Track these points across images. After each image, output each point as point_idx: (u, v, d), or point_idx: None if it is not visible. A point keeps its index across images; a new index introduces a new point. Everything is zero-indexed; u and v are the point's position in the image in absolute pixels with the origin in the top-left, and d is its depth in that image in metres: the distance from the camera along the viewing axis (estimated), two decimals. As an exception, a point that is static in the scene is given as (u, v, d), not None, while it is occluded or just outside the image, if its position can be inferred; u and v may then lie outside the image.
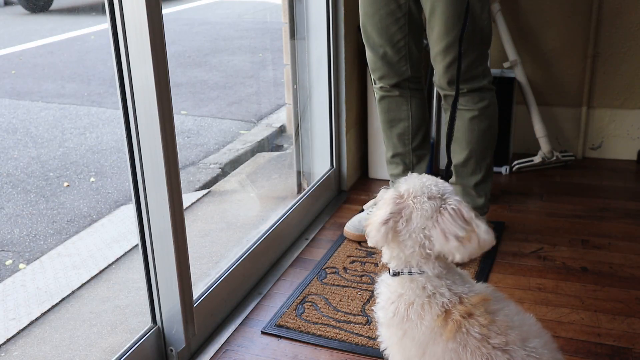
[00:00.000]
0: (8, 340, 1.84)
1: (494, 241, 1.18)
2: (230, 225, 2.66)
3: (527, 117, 2.97)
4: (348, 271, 2.10)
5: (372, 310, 1.81)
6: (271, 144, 3.72)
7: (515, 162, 2.94)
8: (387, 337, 1.26)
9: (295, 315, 1.86)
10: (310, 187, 2.54)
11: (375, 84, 2.27)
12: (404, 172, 2.28)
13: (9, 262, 2.29)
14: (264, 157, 3.46)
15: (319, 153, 2.66)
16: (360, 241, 2.26)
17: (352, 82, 2.70)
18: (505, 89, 2.85)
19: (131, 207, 1.63)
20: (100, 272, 2.21)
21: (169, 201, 1.50)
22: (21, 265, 2.27)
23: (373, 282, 2.01)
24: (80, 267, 2.25)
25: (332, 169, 2.67)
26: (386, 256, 1.26)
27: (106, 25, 1.41)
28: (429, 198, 1.18)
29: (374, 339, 1.71)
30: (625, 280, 1.99)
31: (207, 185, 3.07)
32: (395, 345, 1.24)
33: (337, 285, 2.01)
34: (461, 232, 1.15)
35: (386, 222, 1.18)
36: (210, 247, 2.43)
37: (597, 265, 2.09)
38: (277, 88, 4.67)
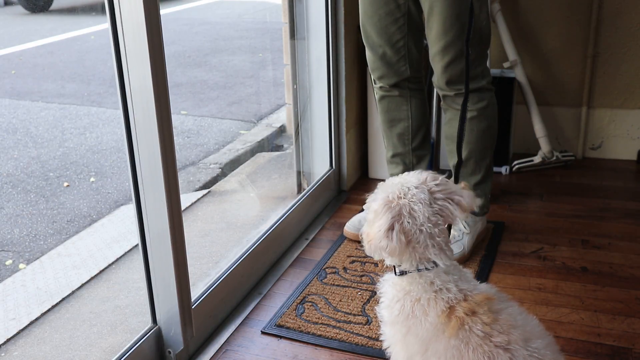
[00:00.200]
0: (8, 340, 1.84)
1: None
2: (230, 225, 2.66)
3: (527, 117, 2.97)
4: (348, 271, 2.10)
5: (372, 310, 1.82)
6: (271, 144, 3.72)
7: (515, 162, 2.94)
8: (391, 335, 1.26)
9: (295, 315, 1.86)
10: (310, 187, 2.54)
11: (375, 83, 2.27)
12: (404, 172, 2.28)
13: (9, 262, 2.29)
14: (264, 157, 3.46)
15: (319, 153, 2.66)
16: (360, 241, 2.26)
17: (352, 82, 2.70)
18: (505, 89, 2.85)
19: (131, 207, 1.63)
20: (100, 272, 2.21)
21: (167, 202, 1.50)
22: (21, 265, 2.27)
23: (373, 282, 2.02)
24: (80, 267, 2.25)
25: (332, 170, 2.67)
26: (395, 260, 1.24)
27: (106, 25, 1.41)
28: (417, 188, 1.20)
29: (374, 339, 1.72)
30: (625, 280, 1.99)
31: (207, 185, 3.07)
32: (399, 343, 1.24)
33: (337, 285, 2.01)
34: (461, 194, 1.22)
35: (392, 227, 1.17)
36: (210, 247, 2.43)
37: (597, 265, 2.09)
38: (277, 88, 4.67)
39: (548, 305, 1.87)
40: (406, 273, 1.23)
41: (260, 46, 5.81)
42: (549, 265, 2.10)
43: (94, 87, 4.28)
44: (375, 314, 1.81)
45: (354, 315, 1.85)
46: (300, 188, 2.67)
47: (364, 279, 2.05)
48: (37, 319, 1.94)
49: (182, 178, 3.16)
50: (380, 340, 1.33)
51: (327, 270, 2.11)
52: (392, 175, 2.36)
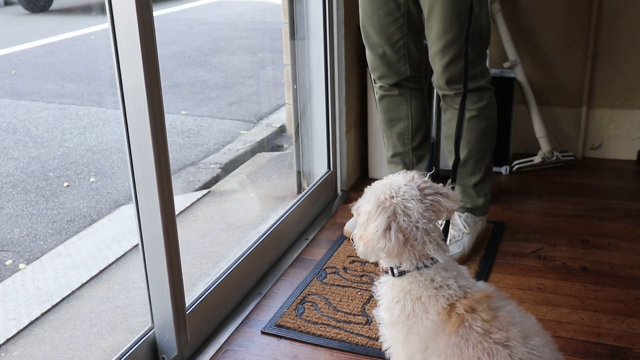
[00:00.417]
0: (8, 340, 1.84)
1: None
2: (230, 225, 2.66)
3: (527, 117, 2.97)
4: (348, 271, 2.10)
5: (372, 311, 1.82)
6: (271, 144, 3.72)
7: (515, 162, 2.94)
8: (391, 336, 1.27)
9: (295, 315, 1.86)
10: (310, 187, 2.55)
11: (375, 83, 2.27)
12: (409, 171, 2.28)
13: (9, 262, 2.29)
14: (264, 157, 3.46)
15: (319, 153, 2.66)
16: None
17: (352, 82, 2.70)
18: (505, 89, 2.85)
19: (131, 207, 1.63)
20: (100, 272, 2.21)
21: (160, 206, 1.47)
22: (21, 265, 2.27)
23: (373, 282, 2.01)
24: (80, 267, 2.25)
25: (329, 172, 2.66)
26: (393, 261, 1.24)
27: (106, 25, 1.41)
28: (406, 186, 1.22)
29: (374, 339, 1.72)
30: (625, 280, 1.99)
31: (207, 185, 3.07)
32: (400, 343, 1.24)
33: (337, 285, 2.01)
34: (446, 189, 1.25)
35: (389, 227, 1.17)
36: (210, 247, 2.43)
37: (597, 265, 2.09)
38: (277, 88, 4.67)
39: (548, 305, 1.87)
40: (405, 273, 1.23)
41: (260, 46, 5.81)
42: (549, 265, 2.10)
43: (94, 87, 4.28)
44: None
45: (354, 315, 1.85)
46: (300, 188, 2.67)
47: (364, 279, 2.05)
48: (37, 319, 1.94)
49: (182, 178, 3.16)
50: (380, 341, 1.33)
51: (327, 270, 2.11)
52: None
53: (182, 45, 5.70)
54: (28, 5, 5.28)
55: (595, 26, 2.89)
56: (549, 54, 3.01)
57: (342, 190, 2.76)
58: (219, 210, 2.77)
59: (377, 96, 2.28)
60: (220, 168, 3.26)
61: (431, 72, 2.11)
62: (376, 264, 2.11)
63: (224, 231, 2.58)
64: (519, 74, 2.89)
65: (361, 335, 1.75)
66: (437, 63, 2.02)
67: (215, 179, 3.14)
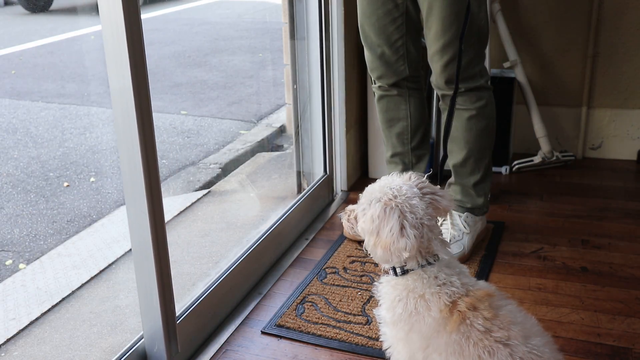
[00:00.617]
0: (8, 340, 1.84)
1: None
2: (230, 225, 2.66)
3: (527, 117, 2.97)
4: (348, 271, 2.10)
5: (372, 310, 1.81)
6: (271, 144, 3.73)
7: (515, 162, 2.94)
8: (392, 335, 1.27)
9: (295, 315, 1.86)
10: (310, 187, 2.55)
11: (374, 83, 2.27)
12: (404, 172, 2.28)
13: (9, 262, 2.30)
14: (264, 157, 3.46)
15: (319, 153, 2.66)
16: (360, 241, 2.26)
17: (352, 82, 2.70)
18: (505, 89, 2.85)
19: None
20: (100, 272, 2.21)
21: (149, 212, 1.42)
22: (21, 265, 2.27)
23: (373, 282, 2.01)
24: (80, 267, 2.25)
25: (325, 176, 2.63)
26: (399, 261, 1.23)
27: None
28: (406, 185, 1.22)
29: (374, 339, 1.72)
30: (625, 280, 1.99)
31: (207, 185, 3.07)
32: (401, 341, 1.25)
33: (337, 285, 2.01)
34: (440, 189, 1.27)
35: (403, 226, 1.17)
36: (210, 247, 2.43)
37: (597, 265, 2.09)
38: (277, 88, 4.68)
39: (548, 305, 1.87)
40: (408, 272, 1.23)
41: (260, 46, 5.81)
42: (549, 265, 2.10)
43: (94, 87, 4.28)
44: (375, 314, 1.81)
45: (354, 315, 1.85)
46: (300, 188, 2.66)
47: (364, 279, 2.05)
48: (37, 319, 1.94)
49: (182, 178, 3.16)
50: (380, 341, 1.33)
51: (327, 270, 2.11)
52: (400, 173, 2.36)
53: (182, 45, 5.70)
54: (28, 5, 5.28)
55: (595, 26, 2.89)
56: (549, 54, 3.01)
57: (342, 190, 2.76)
58: (219, 210, 2.77)
59: (375, 96, 2.28)
60: (220, 168, 3.26)
61: (430, 73, 2.11)
62: (377, 264, 2.12)
63: (224, 231, 2.58)
64: (519, 74, 2.89)
65: (361, 335, 1.75)
66: (436, 63, 2.02)
67: (215, 179, 3.14)
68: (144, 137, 1.39)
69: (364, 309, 1.88)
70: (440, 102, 2.15)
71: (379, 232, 1.18)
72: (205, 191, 2.93)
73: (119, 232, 2.53)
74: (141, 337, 1.60)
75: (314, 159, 2.66)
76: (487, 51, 2.52)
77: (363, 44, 2.19)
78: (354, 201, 1.31)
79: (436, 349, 1.19)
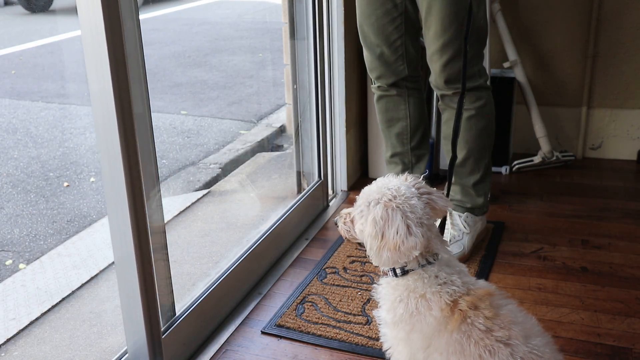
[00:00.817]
0: (8, 340, 1.84)
1: None
2: (230, 225, 2.66)
3: (527, 117, 2.97)
4: (348, 271, 2.10)
5: (372, 312, 1.81)
6: (271, 144, 3.73)
7: (515, 162, 2.94)
8: (393, 335, 1.27)
9: (295, 315, 1.86)
10: (310, 187, 2.54)
11: (373, 83, 2.27)
12: (404, 172, 2.28)
13: (9, 262, 2.30)
14: (264, 157, 3.46)
15: (316, 155, 2.66)
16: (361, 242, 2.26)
17: (352, 82, 2.70)
18: (505, 89, 2.85)
19: (131, 207, 1.62)
20: (100, 272, 2.21)
21: (132, 223, 1.34)
22: (21, 265, 2.27)
23: (373, 282, 2.01)
24: (80, 267, 2.25)
25: (319, 181, 2.58)
26: (400, 262, 1.22)
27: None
28: (403, 186, 1.22)
29: (374, 339, 1.71)
30: (625, 280, 1.99)
31: (207, 185, 3.07)
32: (402, 342, 1.24)
33: (337, 285, 2.01)
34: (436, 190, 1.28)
35: (410, 227, 1.17)
36: (210, 247, 2.43)
37: (597, 265, 2.09)
38: (277, 88, 4.68)
39: (548, 305, 1.87)
40: (409, 272, 1.23)
41: (260, 46, 5.82)
42: (549, 265, 2.10)
43: (94, 87, 4.27)
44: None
45: (354, 315, 1.85)
46: (300, 188, 2.66)
47: (364, 279, 2.05)
48: (37, 319, 1.94)
49: (182, 178, 3.16)
50: (381, 341, 1.33)
51: (327, 270, 2.11)
52: (396, 174, 2.36)
53: (182, 45, 5.70)
54: (28, 5, 5.28)
55: (595, 26, 2.89)
56: (549, 54, 3.01)
57: (342, 190, 2.76)
58: (219, 210, 2.77)
59: (374, 97, 2.28)
60: (220, 168, 3.26)
61: (429, 73, 2.11)
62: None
63: (224, 231, 2.58)
64: (519, 74, 2.89)
65: (361, 335, 1.75)
66: (435, 62, 2.02)
67: (215, 179, 3.14)
68: (126, 143, 1.30)
69: (364, 309, 1.88)
70: (440, 102, 2.15)
71: (384, 234, 1.17)
72: (205, 191, 2.93)
73: (119, 232, 2.52)
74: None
75: (314, 159, 2.66)
76: (487, 51, 2.52)
77: (362, 44, 2.19)
78: (355, 201, 1.31)
79: (437, 349, 1.19)
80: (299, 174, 2.67)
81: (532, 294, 1.93)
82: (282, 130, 3.84)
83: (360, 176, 2.92)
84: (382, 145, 2.51)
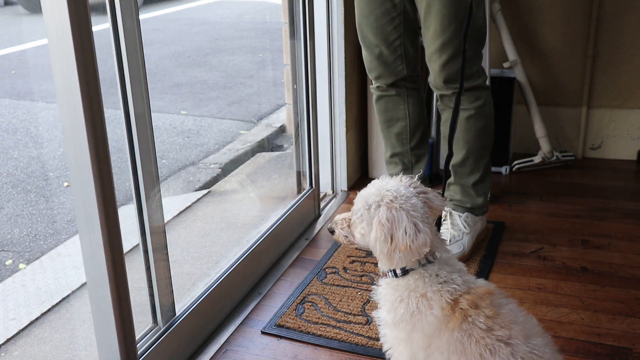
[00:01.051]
0: (8, 340, 1.84)
1: None
2: (230, 225, 2.66)
3: (527, 117, 2.97)
4: (348, 271, 2.10)
5: (372, 310, 1.82)
6: (271, 144, 3.73)
7: (515, 162, 2.94)
8: (394, 336, 1.27)
9: (295, 315, 1.86)
10: (309, 187, 2.54)
11: (372, 83, 2.27)
12: (404, 172, 2.28)
13: (9, 262, 2.30)
14: (264, 157, 3.46)
15: (320, 153, 2.66)
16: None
17: (352, 82, 2.70)
18: (505, 89, 2.85)
19: (131, 208, 1.63)
20: (100, 272, 2.21)
21: (104, 242, 1.21)
22: (21, 265, 2.27)
23: (373, 282, 2.01)
24: (80, 267, 2.25)
25: (311, 190, 2.49)
26: (403, 262, 1.22)
27: (106, 25, 1.41)
28: (401, 186, 1.23)
29: (374, 339, 1.71)
30: (625, 280, 1.99)
31: (207, 185, 3.07)
32: (403, 341, 1.24)
33: (337, 285, 2.01)
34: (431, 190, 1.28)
35: (417, 225, 1.17)
36: (210, 247, 2.43)
37: (597, 265, 2.09)
38: (277, 88, 4.68)
39: (548, 305, 1.87)
40: (409, 272, 1.23)
41: (260, 46, 5.82)
42: (549, 265, 2.10)
43: (94, 87, 4.27)
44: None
45: (354, 315, 1.85)
46: (300, 188, 2.66)
47: (364, 279, 2.05)
48: (37, 319, 1.94)
49: (182, 178, 3.16)
50: (381, 342, 1.33)
51: (327, 270, 2.11)
52: (391, 175, 2.35)
53: (182, 45, 5.70)
54: (28, 5, 5.28)
55: (595, 26, 2.89)
56: (549, 54, 3.01)
57: (342, 190, 2.76)
58: (219, 210, 2.77)
59: (374, 97, 2.28)
60: (220, 168, 3.26)
61: (428, 73, 2.11)
62: (376, 264, 2.11)
63: (224, 231, 2.58)
64: (519, 74, 2.89)
65: (361, 335, 1.75)
66: (434, 62, 2.02)
67: (215, 179, 3.14)
68: (97, 149, 1.17)
69: (364, 309, 1.88)
70: (439, 102, 2.15)
71: (393, 236, 1.16)
72: (205, 191, 2.93)
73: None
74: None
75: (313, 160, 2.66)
76: (487, 51, 2.52)
77: (361, 44, 2.19)
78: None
79: (438, 348, 1.19)
80: (299, 174, 2.67)
81: (532, 294, 1.93)
82: (282, 130, 3.84)
83: (361, 176, 2.92)
84: (382, 145, 2.51)
